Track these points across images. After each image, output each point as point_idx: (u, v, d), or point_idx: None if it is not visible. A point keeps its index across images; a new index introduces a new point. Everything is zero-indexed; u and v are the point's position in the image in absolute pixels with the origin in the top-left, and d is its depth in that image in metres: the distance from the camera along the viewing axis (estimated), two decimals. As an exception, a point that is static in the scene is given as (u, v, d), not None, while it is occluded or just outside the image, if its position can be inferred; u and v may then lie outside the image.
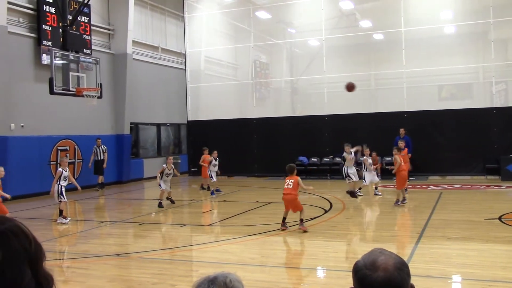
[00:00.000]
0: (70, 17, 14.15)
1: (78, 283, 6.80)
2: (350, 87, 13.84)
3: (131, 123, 21.24)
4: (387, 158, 17.62)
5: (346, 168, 13.80)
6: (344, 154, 13.72)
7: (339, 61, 21.17)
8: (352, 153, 13.68)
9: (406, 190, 13.45)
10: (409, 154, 15.72)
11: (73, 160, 18.13)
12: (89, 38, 18.61)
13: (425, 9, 19.75)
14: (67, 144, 18.00)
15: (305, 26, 22.26)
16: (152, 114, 22.90)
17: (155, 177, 14.64)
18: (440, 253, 7.77)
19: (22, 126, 16.21)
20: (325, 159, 20.40)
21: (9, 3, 15.51)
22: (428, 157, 18.73)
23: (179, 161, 23.01)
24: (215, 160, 16.60)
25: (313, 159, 20.63)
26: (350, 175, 13.40)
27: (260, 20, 23.08)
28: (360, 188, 14.40)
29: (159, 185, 13.75)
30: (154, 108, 22.90)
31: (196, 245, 9.47)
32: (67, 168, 11.92)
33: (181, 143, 25.56)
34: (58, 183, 11.53)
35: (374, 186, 14.86)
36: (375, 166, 15.57)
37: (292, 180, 9.74)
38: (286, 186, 9.78)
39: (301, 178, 9.91)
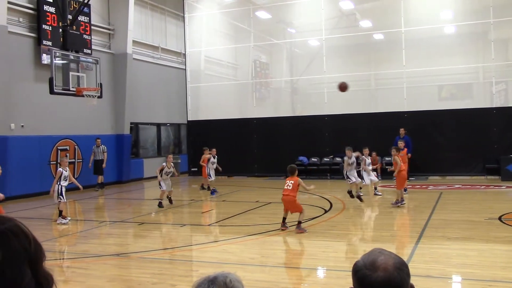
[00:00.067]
0: (70, 17, 14.15)
1: (78, 283, 6.80)
2: (343, 87, 13.78)
3: (131, 123, 21.24)
4: (387, 158, 17.61)
5: (346, 171, 13.72)
6: (345, 158, 13.59)
7: (339, 61, 21.17)
8: (353, 157, 13.57)
9: (405, 190, 13.44)
10: (409, 154, 15.73)
11: (73, 160, 18.12)
12: (89, 38, 18.61)
13: (425, 9, 19.75)
14: (67, 144, 17.99)
15: (305, 26, 22.27)
16: (152, 114, 22.90)
17: (155, 177, 14.63)
18: (440, 253, 7.77)
19: (22, 126, 16.21)
20: (325, 159, 20.40)
21: (9, 2, 15.51)
22: (428, 157, 18.73)
23: (179, 161, 23.01)
24: (214, 157, 16.61)
25: (313, 159, 20.64)
26: (350, 176, 13.37)
27: (260, 20, 23.08)
28: (360, 188, 14.37)
29: (159, 185, 13.75)
30: (154, 108, 22.91)
31: (196, 245, 9.46)
32: (67, 168, 11.92)
33: (181, 143, 25.56)
34: (58, 183, 11.53)
35: (374, 186, 14.85)
36: (375, 166, 15.57)
37: (292, 181, 9.72)
38: (286, 187, 9.77)
39: (301, 179, 9.91)
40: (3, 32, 15.08)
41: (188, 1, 23.60)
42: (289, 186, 9.69)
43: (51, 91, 13.26)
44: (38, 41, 16.64)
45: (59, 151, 17.45)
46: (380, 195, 14.51)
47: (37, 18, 16.74)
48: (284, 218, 9.82)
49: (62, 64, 13.83)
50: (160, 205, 13.60)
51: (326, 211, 12.06)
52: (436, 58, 19.59)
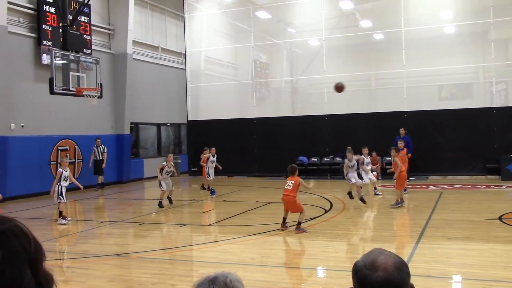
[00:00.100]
0: (70, 17, 14.15)
1: (78, 283, 6.80)
2: (339, 88, 13.74)
3: (131, 123, 21.24)
4: (387, 158, 17.61)
5: (346, 172, 13.69)
6: (346, 160, 13.54)
7: (339, 61, 21.17)
8: (354, 160, 13.53)
9: (405, 190, 13.41)
10: (409, 154, 15.71)
11: (73, 160, 18.13)
12: (89, 38, 18.62)
13: (425, 9, 19.74)
14: (67, 144, 18.00)
15: (305, 26, 22.27)
16: (152, 114, 22.90)
17: (155, 177, 14.64)
18: (440, 253, 7.77)
19: (22, 126, 16.21)
20: (325, 159, 20.40)
21: (9, 3, 15.51)
22: (428, 157, 18.73)
23: (179, 161, 23.01)
24: (213, 156, 16.61)
25: (313, 159, 20.64)
26: (350, 177, 13.35)
27: (260, 20, 23.08)
28: (361, 187, 14.34)
29: (160, 184, 13.75)
30: (154, 108, 22.91)
31: (196, 245, 9.46)
32: (67, 168, 11.92)
33: (181, 143, 25.56)
34: (58, 183, 11.53)
35: (374, 186, 14.84)
36: (375, 166, 15.54)
37: (292, 182, 9.71)
38: (286, 187, 9.77)
39: (301, 179, 9.90)
40: (3, 32, 15.08)
41: (188, 1, 23.60)
42: (290, 186, 9.68)
43: (51, 91, 13.26)
44: (38, 41, 16.64)
45: (59, 151, 17.45)
46: (380, 195, 14.51)
47: (37, 18, 16.75)
48: (284, 218, 9.82)
49: (62, 64, 13.84)
50: (160, 205, 13.60)
51: (326, 211, 12.06)
52: (436, 58, 19.59)
